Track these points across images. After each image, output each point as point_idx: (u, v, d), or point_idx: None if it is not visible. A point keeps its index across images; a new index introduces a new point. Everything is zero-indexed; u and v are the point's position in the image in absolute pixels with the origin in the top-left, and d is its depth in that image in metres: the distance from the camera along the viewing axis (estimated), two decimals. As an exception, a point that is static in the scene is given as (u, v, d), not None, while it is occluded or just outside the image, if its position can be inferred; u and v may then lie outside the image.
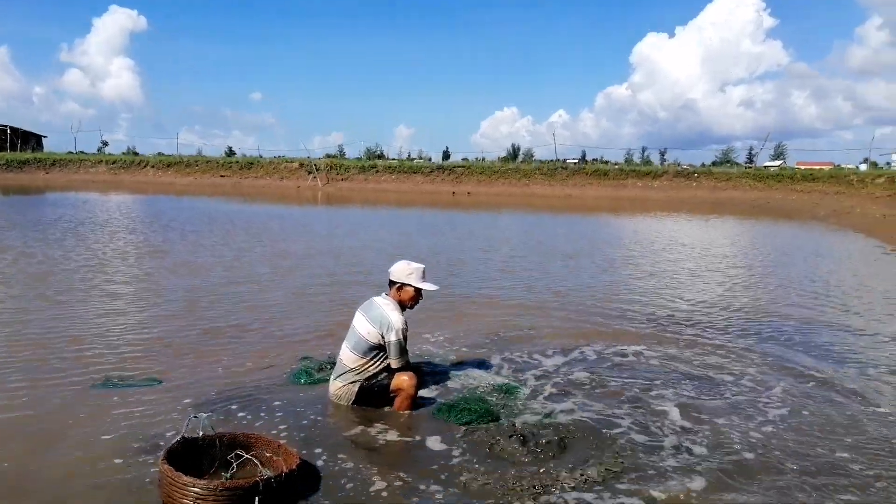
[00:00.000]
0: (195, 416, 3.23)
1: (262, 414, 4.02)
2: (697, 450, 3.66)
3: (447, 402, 4.15)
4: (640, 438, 3.80)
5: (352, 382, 4.14)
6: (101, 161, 48.88)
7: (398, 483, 3.19)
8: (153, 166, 46.99)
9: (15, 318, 6.12)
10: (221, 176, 44.55)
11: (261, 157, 61.67)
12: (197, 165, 46.60)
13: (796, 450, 3.69)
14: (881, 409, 4.35)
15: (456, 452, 3.54)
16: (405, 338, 4.19)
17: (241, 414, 4.03)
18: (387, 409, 4.13)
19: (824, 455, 3.63)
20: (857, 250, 13.98)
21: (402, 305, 4.32)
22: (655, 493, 3.12)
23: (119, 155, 62.03)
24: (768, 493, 3.17)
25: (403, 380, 4.06)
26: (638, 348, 5.77)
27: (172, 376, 4.66)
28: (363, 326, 4.17)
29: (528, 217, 24.44)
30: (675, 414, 4.19)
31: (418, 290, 4.32)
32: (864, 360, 5.52)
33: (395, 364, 4.19)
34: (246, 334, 5.90)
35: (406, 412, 4.08)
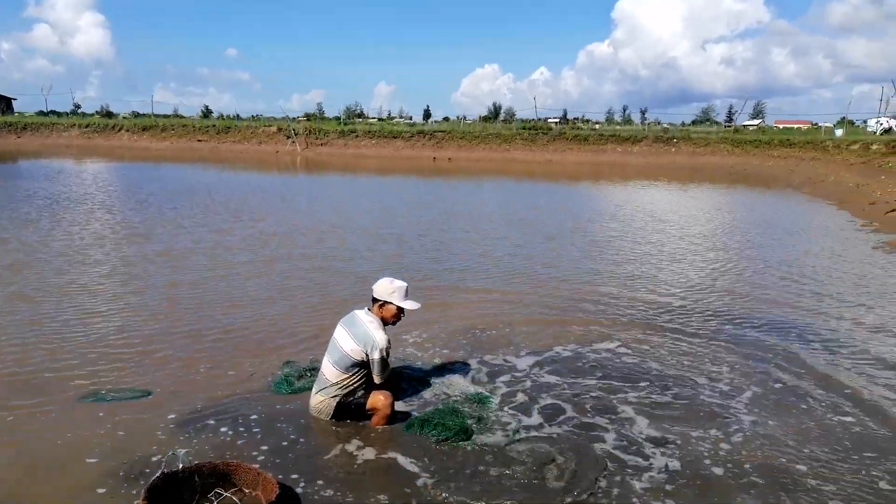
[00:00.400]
0: (173, 453, 3.31)
1: (242, 430, 4.10)
2: (670, 465, 3.80)
3: (422, 417, 4.26)
4: (610, 454, 3.94)
5: (332, 397, 4.24)
6: (74, 125, 47.79)
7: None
8: (128, 130, 46.05)
9: (-8, 322, 6.10)
10: (199, 140, 43.84)
11: (238, 117, 60.63)
12: (173, 130, 45.75)
13: (763, 462, 3.85)
14: (847, 418, 4.52)
15: (430, 474, 3.66)
16: (388, 354, 4.28)
17: (223, 429, 4.11)
18: (364, 423, 4.23)
19: (789, 468, 3.79)
20: (830, 226, 14.23)
21: (385, 322, 4.40)
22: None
23: (92, 118, 60.60)
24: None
25: (379, 399, 4.16)
26: (613, 346, 5.91)
27: (157, 387, 4.71)
28: (347, 343, 4.24)
29: (509, 187, 24.45)
30: (645, 425, 4.33)
31: (400, 308, 4.39)
32: (834, 355, 5.70)
33: (377, 380, 4.29)
34: (228, 337, 5.94)
35: (382, 427, 4.19)
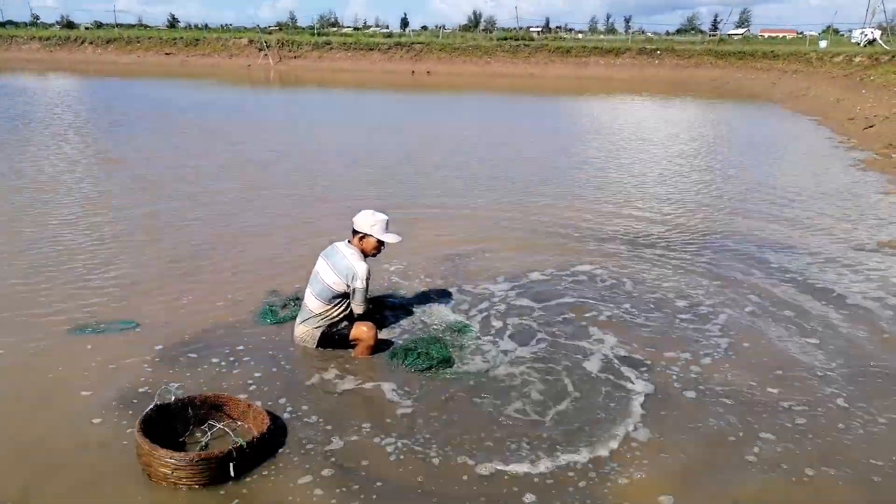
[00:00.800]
0: (166, 387, 3.41)
1: (232, 360, 4.19)
2: (644, 389, 3.97)
3: (405, 346, 4.38)
4: (586, 378, 4.12)
5: (316, 327, 4.34)
6: (34, 37, 45.46)
7: (355, 438, 3.44)
8: (91, 43, 43.97)
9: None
10: (167, 54, 42.09)
11: (207, 27, 57.93)
12: (139, 42, 43.76)
13: (733, 387, 4.04)
14: (815, 339, 4.74)
15: (412, 402, 3.81)
16: (368, 285, 4.36)
17: (213, 360, 4.20)
18: (348, 352, 4.36)
19: (757, 391, 3.99)
20: (809, 143, 14.32)
21: (364, 254, 4.45)
22: (602, 451, 3.41)
23: (52, 28, 57.63)
24: (704, 436, 3.54)
25: (363, 330, 4.27)
26: (591, 269, 6.04)
27: (144, 319, 4.76)
28: (329, 276, 4.31)
29: (492, 104, 24.02)
30: (621, 349, 4.50)
31: (381, 241, 4.44)
32: (809, 277, 5.90)
33: (358, 310, 4.39)
34: (213, 266, 5.96)
35: (366, 356, 4.33)
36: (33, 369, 4.06)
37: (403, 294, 5.39)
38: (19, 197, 8.22)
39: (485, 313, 5.06)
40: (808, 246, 6.92)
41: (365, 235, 4.40)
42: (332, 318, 4.35)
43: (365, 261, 4.39)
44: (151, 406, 3.31)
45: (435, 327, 4.76)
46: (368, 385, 4.00)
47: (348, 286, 4.30)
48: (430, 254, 6.39)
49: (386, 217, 4.44)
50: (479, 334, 4.69)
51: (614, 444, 3.42)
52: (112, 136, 13.40)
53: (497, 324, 4.88)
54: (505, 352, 4.44)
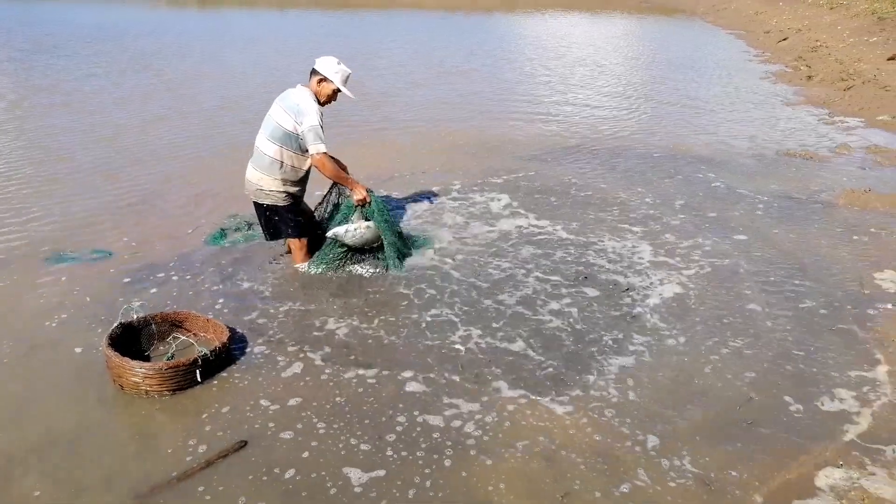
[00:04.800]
0: (128, 306, 3.65)
1: (190, 281, 4.44)
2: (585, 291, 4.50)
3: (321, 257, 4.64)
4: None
5: (275, 179, 4.36)
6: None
7: (295, 347, 3.80)
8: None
9: None
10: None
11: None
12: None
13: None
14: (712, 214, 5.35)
15: (341, 307, 4.21)
16: (321, 124, 4.28)
17: (174, 278, 4.47)
18: (292, 264, 4.68)
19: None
20: (725, 58, 14.93)
21: (317, 99, 4.37)
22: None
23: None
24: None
25: (295, 243, 4.64)
26: (525, 175, 6.46)
27: (115, 247, 4.92)
28: (279, 115, 4.30)
29: (429, 21, 23.58)
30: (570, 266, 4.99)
31: (336, 91, 4.39)
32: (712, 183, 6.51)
33: (313, 149, 4.27)
34: (171, 195, 6.07)
35: (301, 266, 4.65)
36: (14, 296, 4.24)
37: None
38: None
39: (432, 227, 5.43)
40: (714, 155, 7.54)
41: (324, 79, 4.33)
42: (286, 171, 4.36)
43: (318, 103, 4.34)
44: (116, 324, 3.57)
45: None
46: (307, 306, 4.32)
47: (297, 127, 4.24)
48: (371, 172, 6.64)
49: (349, 70, 4.42)
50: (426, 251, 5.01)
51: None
52: (38, 69, 12.67)
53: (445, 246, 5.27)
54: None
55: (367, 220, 4.49)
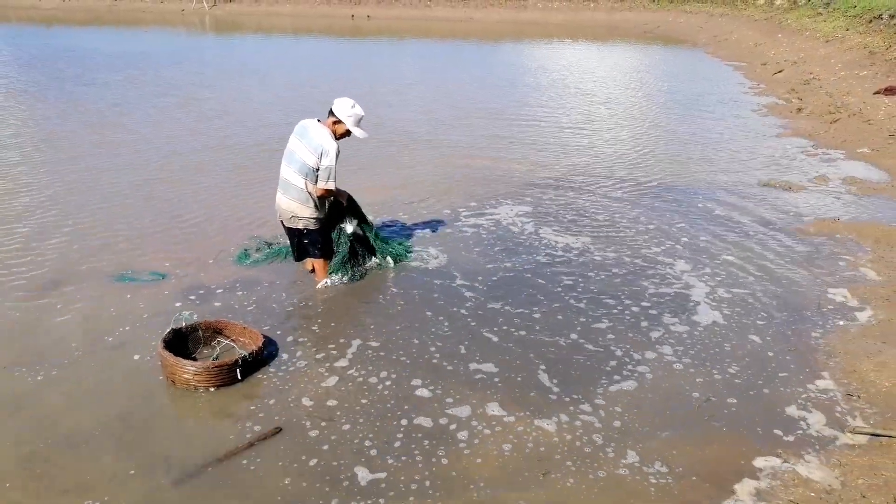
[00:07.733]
0: (179, 315, 4.31)
1: (231, 294, 5.13)
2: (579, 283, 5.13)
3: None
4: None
5: (303, 205, 4.95)
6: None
7: (322, 354, 4.47)
8: (8, -14, 41.40)
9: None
10: (93, -2, 40.16)
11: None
12: (61, -15, 41.49)
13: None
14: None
15: (368, 310, 4.86)
16: (336, 163, 4.86)
17: (218, 291, 5.16)
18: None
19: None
20: (723, 89, 15.59)
21: (333, 134, 4.94)
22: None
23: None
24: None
25: (318, 264, 5.31)
26: (518, 210, 7.10)
27: (168, 271, 5.52)
28: (304, 153, 4.85)
29: (435, 50, 24.48)
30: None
31: (348, 132, 4.98)
32: (693, 209, 7.12)
33: (322, 184, 4.88)
34: (204, 222, 6.72)
35: (322, 282, 5.31)
36: (91, 311, 4.87)
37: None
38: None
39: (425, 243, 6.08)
40: (697, 185, 8.17)
41: (339, 121, 4.92)
42: (314, 202, 4.96)
43: (335, 140, 4.90)
44: (168, 330, 4.23)
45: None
46: (331, 310, 5.00)
47: (318, 162, 4.81)
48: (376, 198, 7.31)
49: (363, 113, 4.97)
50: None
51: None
52: (59, 105, 13.50)
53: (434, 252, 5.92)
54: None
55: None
